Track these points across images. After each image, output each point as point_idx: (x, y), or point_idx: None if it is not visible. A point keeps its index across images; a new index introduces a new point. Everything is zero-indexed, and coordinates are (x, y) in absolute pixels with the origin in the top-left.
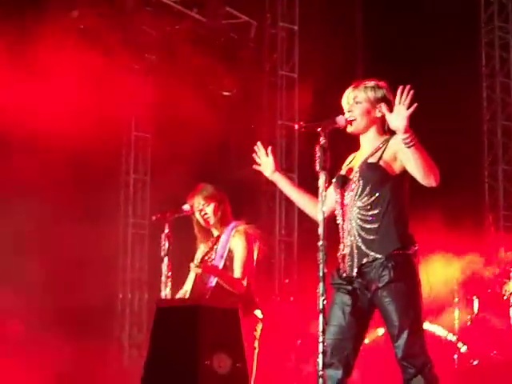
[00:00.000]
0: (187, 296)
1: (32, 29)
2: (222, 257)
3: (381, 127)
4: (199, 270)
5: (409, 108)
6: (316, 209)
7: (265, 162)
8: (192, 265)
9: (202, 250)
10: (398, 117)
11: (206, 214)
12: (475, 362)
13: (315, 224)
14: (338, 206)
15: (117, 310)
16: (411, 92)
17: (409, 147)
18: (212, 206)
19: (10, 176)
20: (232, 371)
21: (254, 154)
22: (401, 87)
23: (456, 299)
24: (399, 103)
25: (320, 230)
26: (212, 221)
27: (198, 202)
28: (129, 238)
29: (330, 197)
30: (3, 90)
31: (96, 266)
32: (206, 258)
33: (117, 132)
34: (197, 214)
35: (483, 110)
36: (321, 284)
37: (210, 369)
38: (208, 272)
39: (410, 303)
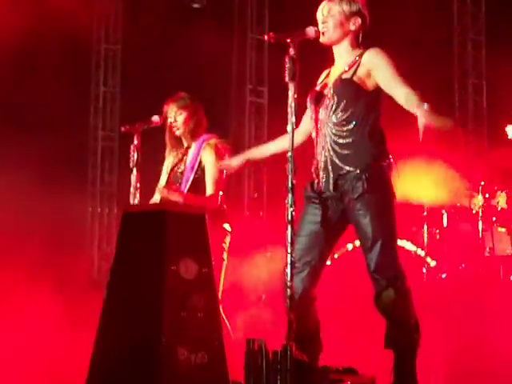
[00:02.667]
0: None
1: None
2: (192, 168)
3: (354, 40)
4: (164, 194)
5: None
6: (298, 136)
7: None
8: (158, 188)
9: (170, 160)
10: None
11: (175, 121)
12: (443, 276)
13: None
14: (313, 123)
15: (86, 223)
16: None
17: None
18: (184, 115)
19: None
20: (198, 276)
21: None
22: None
23: (425, 213)
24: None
25: (288, 142)
26: (180, 130)
27: (172, 109)
28: (98, 150)
29: (305, 120)
30: None
31: (64, 179)
32: (176, 168)
33: (86, 44)
34: (168, 121)
35: (454, 66)
36: (289, 195)
37: (177, 274)
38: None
39: (383, 215)
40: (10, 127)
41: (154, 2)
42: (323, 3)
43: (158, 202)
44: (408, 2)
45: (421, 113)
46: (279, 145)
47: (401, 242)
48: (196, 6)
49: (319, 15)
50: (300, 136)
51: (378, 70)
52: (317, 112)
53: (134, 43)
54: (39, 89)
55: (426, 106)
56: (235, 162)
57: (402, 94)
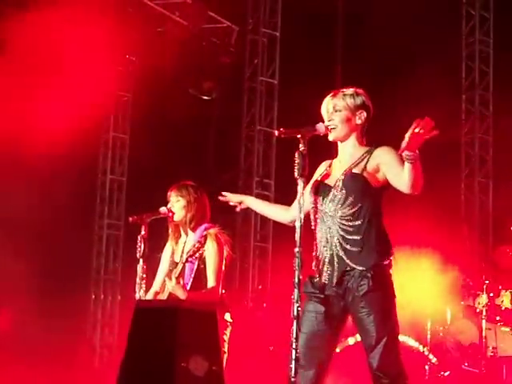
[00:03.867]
0: (159, 296)
1: None
2: (193, 260)
3: (360, 135)
4: (172, 288)
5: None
6: (287, 214)
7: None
8: (167, 282)
9: (169, 249)
10: (411, 141)
11: (172, 207)
12: (446, 374)
13: (290, 231)
14: (314, 214)
15: (89, 310)
16: (430, 123)
17: (410, 163)
18: (181, 202)
19: None
20: (208, 374)
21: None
22: (418, 120)
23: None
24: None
25: (297, 237)
26: (177, 217)
27: (172, 196)
28: (104, 238)
29: (305, 199)
30: None
31: (70, 268)
32: (174, 258)
33: (94, 132)
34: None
35: (461, 122)
36: (295, 290)
37: (187, 371)
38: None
39: (386, 314)
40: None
41: (164, 91)
42: (327, 99)
43: (157, 291)
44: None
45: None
46: (277, 212)
47: (403, 338)
48: (206, 98)
49: (324, 112)
50: (289, 217)
51: (388, 165)
52: (320, 204)
53: (142, 131)
54: (48, 173)
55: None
56: (235, 197)
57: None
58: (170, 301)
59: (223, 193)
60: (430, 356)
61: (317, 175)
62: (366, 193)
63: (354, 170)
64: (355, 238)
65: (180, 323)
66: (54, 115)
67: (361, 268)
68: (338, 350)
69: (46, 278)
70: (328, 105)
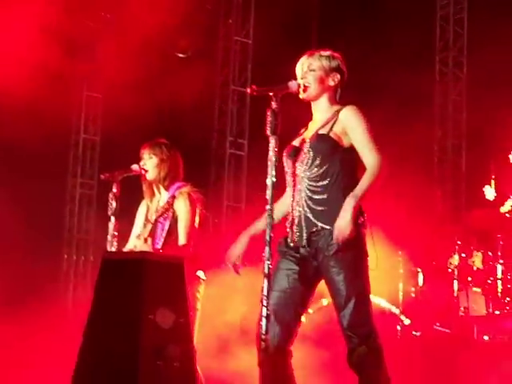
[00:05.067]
0: None
1: None
2: (165, 218)
3: (333, 96)
4: (140, 247)
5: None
6: (279, 205)
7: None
8: (136, 241)
9: (143, 207)
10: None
11: (144, 164)
12: (417, 334)
13: (263, 190)
14: (290, 177)
15: (62, 270)
16: None
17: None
18: (154, 160)
19: None
20: (175, 326)
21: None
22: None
23: (401, 271)
24: None
25: (268, 194)
26: (150, 176)
27: (144, 154)
28: (76, 198)
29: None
30: None
31: (42, 226)
32: (149, 217)
33: (68, 91)
34: (141, 165)
35: (435, 83)
36: (266, 248)
37: (154, 323)
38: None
39: (357, 273)
40: None
41: (139, 50)
42: (303, 58)
43: (133, 249)
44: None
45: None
46: (278, 208)
47: (376, 300)
48: (181, 55)
49: (298, 70)
50: (286, 207)
51: (352, 130)
52: (294, 167)
53: (116, 90)
54: (18, 131)
55: (353, 201)
56: (239, 248)
57: (367, 162)
58: (136, 252)
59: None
60: (402, 317)
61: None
62: (333, 153)
63: (321, 131)
64: (322, 197)
65: (146, 275)
66: (27, 74)
67: (328, 227)
68: (311, 310)
69: (17, 238)
70: (303, 64)
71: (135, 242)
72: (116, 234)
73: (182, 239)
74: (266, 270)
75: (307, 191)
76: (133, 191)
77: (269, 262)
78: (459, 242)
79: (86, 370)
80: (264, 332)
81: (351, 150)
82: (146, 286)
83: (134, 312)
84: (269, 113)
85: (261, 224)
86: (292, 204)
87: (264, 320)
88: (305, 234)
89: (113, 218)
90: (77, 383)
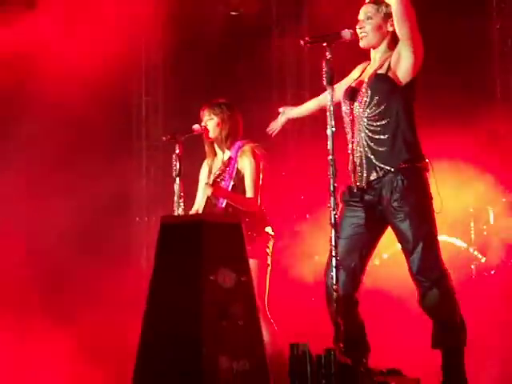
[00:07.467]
0: None
1: None
2: (230, 177)
3: (392, 41)
4: (209, 191)
5: None
6: (315, 102)
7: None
8: (204, 185)
9: (206, 168)
10: None
11: (206, 126)
12: (492, 272)
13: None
14: (347, 118)
15: (133, 233)
16: None
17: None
18: (214, 120)
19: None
20: (237, 285)
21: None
22: None
23: (471, 210)
24: None
25: (329, 145)
26: (212, 135)
27: (205, 114)
28: (143, 160)
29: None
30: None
31: (111, 193)
32: (213, 176)
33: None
34: (202, 126)
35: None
36: (331, 198)
37: (215, 284)
38: (218, 194)
39: (422, 217)
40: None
41: (196, 14)
42: (364, 6)
43: (200, 211)
44: None
45: None
46: (308, 107)
47: (451, 239)
48: (234, 13)
49: (360, 18)
50: (312, 105)
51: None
52: (351, 108)
53: (176, 55)
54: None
55: None
56: (279, 123)
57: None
58: (194, 215)
59: (268, 129)
60: (479, 255)
61: (349, 79)
62: (392, 92)
63: (379, 71)
64: (382, 137)
65: (205, 237)
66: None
67: (389, 167)
68: (385, 256)
69: (84, 203)
70: (361, 13)
71: (204, 191)
72: (182, 194)
73: (249, 194)
74: (333, 220)
75: (366, 131)
76: (194, 152)
77: (334, 212)
78: None
79: (151, 334)
80: (335, 282)
81: (409, 88)
82: (205, 248)
83: (194, 274)
84: (324, 63)
85: (296, 110)
86: (352, 146)
87: (334, 270)
88: (365, 175)
89: (177, 180)
90: (142, 348)
